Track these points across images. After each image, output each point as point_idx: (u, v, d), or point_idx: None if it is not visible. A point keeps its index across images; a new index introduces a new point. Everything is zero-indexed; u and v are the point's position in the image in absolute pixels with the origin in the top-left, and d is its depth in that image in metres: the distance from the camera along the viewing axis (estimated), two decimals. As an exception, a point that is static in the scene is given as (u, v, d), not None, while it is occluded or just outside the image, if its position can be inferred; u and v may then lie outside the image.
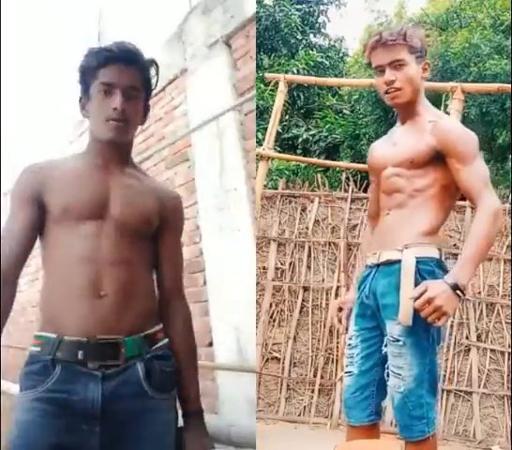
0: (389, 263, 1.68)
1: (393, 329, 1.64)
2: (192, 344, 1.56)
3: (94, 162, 1.49)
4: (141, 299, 1.43)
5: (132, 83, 1.45)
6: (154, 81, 1.54)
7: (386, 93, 1.72)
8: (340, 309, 1.91)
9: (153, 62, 1.53)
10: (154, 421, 1.39)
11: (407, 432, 1.66)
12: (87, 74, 1.46)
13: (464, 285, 1.53)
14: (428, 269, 1.63)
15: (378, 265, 1.71)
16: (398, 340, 1.62)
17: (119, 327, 1.37)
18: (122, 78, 1.43)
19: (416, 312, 1.55)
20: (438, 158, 1.68)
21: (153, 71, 1.53)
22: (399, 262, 1.64)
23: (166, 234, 1.52)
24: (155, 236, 1.51)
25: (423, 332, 1.62)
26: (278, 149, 5.13)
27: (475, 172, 1.64)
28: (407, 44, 1.69)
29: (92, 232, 1.39)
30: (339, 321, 1.91)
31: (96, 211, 1.41)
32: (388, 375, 1.69)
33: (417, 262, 1.62)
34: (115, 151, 1.49)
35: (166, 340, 1.48)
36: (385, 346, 1.70)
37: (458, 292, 1.51)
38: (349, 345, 1.79)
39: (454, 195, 1.74)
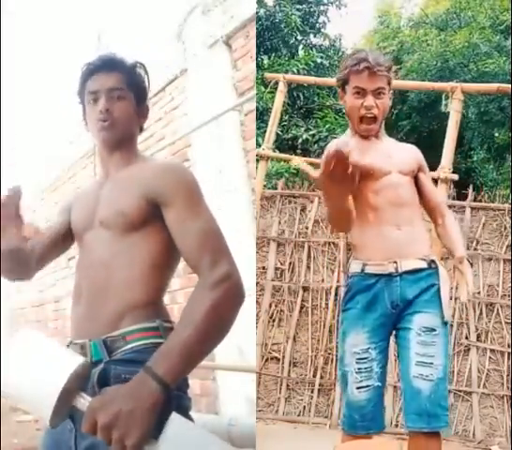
0: (414, 271, 1.81)
1: (428, 320, 1.76)
2: (194, 322, 1.28)
3: (99, 175, 1.57)
4: (117, 298, 1.35)
5: (116, 86, 1.50)
6: (146, 81, 1.57)
7: (361, 117, 1.80)
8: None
9: (137, 64, 1.56)
10: None
11: (435, 422, 1.68)
12: (81, 92, 1.55)
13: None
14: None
15: (401, 274, 1.79)
16: (434, 329, 1.74)
17: (91, 329, 1.36)
18: (105, 83, 1.50)
19: None
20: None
21: (141, 72, 1.56)
22: (423, 269, 1.81)
23: (167, 212, 1.38)
24: (159, 220, 1.39)
25: (449, 326, 1.82)
26: (278, 151, 5.12)
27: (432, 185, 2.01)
28: (387, 76, 1.81)
29: (86, 242, 1.48)
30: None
31: (88, 222, 1.48)
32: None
33: None
34: (112, 152, 1.53)
35: (142, 341, 1.32)
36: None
37: None
38: (364, 359, 1.77)
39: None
